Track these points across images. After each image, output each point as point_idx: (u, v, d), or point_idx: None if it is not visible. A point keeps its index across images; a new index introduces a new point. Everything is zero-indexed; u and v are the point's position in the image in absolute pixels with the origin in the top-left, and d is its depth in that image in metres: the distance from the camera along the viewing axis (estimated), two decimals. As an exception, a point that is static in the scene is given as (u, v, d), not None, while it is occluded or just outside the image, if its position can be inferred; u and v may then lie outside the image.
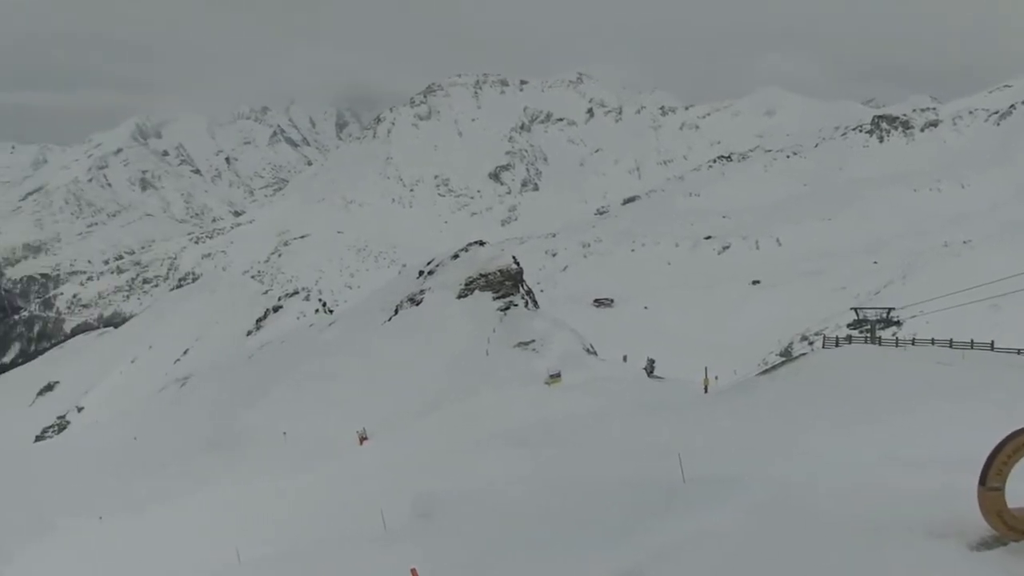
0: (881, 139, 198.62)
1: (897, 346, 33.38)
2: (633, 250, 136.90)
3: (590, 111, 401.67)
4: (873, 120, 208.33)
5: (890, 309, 46.18)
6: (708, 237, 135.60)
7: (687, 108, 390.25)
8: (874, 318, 42.63)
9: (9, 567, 27.39)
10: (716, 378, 36.27)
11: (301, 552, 19.74)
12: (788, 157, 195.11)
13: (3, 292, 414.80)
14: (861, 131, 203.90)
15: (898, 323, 62.80)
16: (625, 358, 48.85)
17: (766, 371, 33.60)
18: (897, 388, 20.62)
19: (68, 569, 25.19)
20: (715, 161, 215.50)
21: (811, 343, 73.10)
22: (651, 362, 45.29)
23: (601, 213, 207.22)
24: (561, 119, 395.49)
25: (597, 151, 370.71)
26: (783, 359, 54.30)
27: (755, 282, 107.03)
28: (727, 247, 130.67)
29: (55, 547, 30.54)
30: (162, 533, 26.85)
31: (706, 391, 32.89)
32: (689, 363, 45.60)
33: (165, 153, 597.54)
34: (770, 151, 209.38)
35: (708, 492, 12.07)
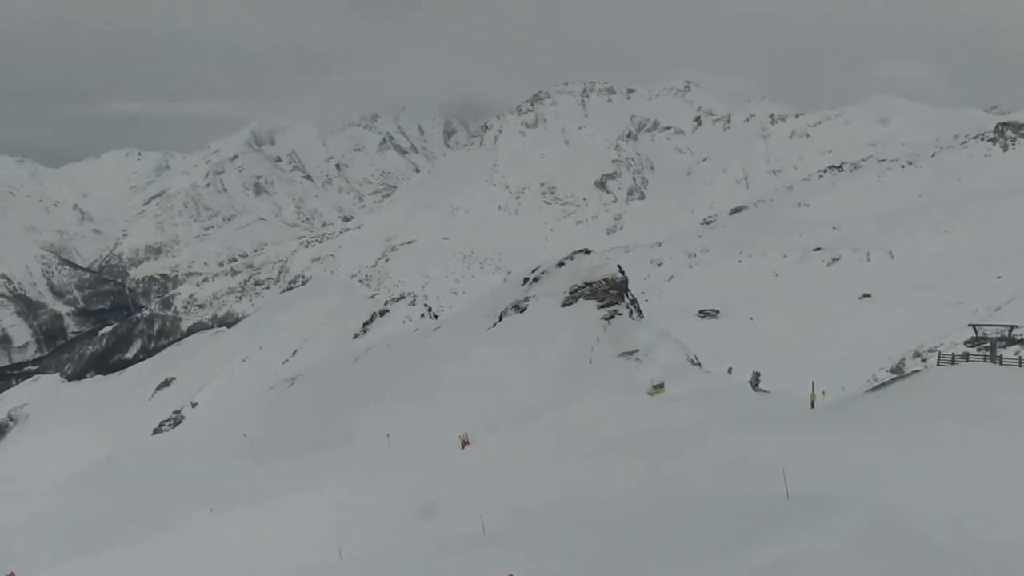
0: (1005, 147, 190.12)
1: (1021, 366, 31.92)
2: (740, 261, 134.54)
3: (698, 119, 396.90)
4: (996, 127, 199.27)
5: (1013, 327, 44.07)
6: (817, 248, 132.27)
7: (797, 116, 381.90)
8: (995, 335, 40.78)
9: (130, 552, 28.50)
10: (823, 393, 35.35)
11: (402, 552, 20.05)
12: (903, 167, 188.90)
13: (127, 291, 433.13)
14: (983, 139, 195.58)
15: (1022, 342, 60.14)
16: (730, 370, 48.08)
17: (876, 388, 32.65)
18: (1021, 411, 19.79)
19: (180, 558, 26.08)
20: (826, 171, 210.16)
21: (924, 360, 70.57)
22: (756, 375, 44.43)
23: (708, 223, 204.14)
24: (668, 127, 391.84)
25: (704, 160, 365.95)
26: (894, 376, 52.61)
27: (865, 295, 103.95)
28: (837, 259, 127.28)
29: (169, 536, 31.68)
30: (268, 528, 27.54)
31: (812, 406, 32.14)
32: (795, 377, 44.53)
33: (278, 159, 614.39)
34: (884, 160, 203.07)
35: (813, 511, 11.82)
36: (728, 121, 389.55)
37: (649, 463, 22.64)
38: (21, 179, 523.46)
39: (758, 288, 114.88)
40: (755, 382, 43.26)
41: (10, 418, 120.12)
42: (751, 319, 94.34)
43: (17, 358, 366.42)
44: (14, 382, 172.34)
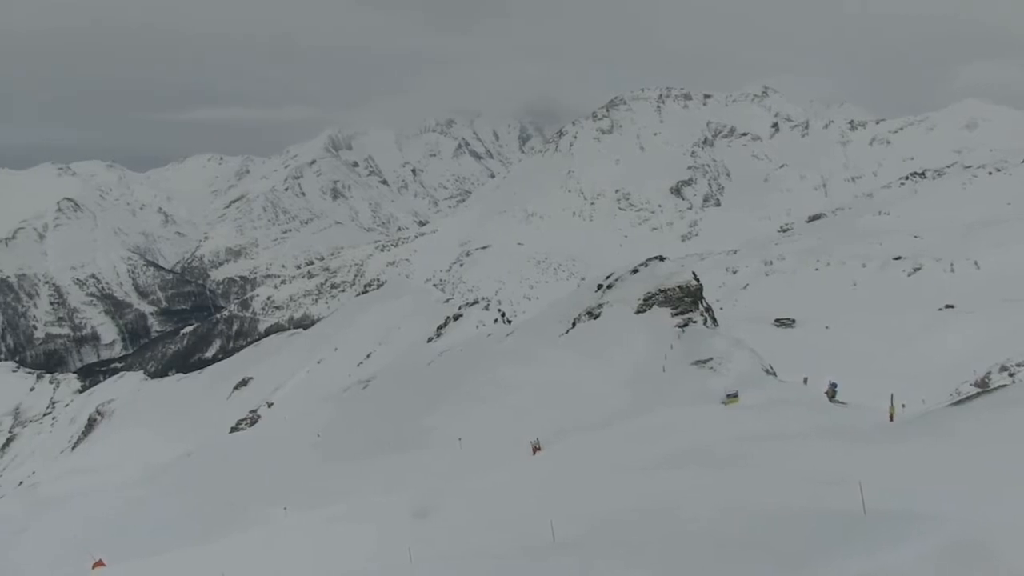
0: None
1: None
2: (817, 269, 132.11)
3: (775, 125, 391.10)
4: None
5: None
6: (898, 258, 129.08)
7: (878, 122, 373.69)
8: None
9: (207, 547, 29.15)
10: (903, 406, 34.52)
11: (471, 555, 20.15)
12: (990, 174, 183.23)
13: (208, 292, 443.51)
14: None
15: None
16: (806, 380, 47.24)
17: (960, 402, 31.77)
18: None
19: (255, 555, 26.56)
20: (907, 178, 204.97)
21: (1012, 375, 68.43)
22: (833, 386, 43.57)
23: (784, 230, 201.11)
24: (745, 134, 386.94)
25: (782, 167, 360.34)
26: (979, 390, 51.14)
27: (948, 306, 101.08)
28: (918, 268, 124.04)
29: (244, 532, 32.31)
30: (340, 527, 27.88)
31: (891, 419, 31.42)
32: (872, 389, 43.58)
33: (355, 164, 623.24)
34: (969, 167, 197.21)
35: (891, 527, 11.58)
36: (806, 127, 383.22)
37: (722, 474, 22.39)
38: (111, 183, 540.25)
39: (835, 297, 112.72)
40: (832, 393, 42.43)
41: (98, 412, 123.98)
42: (827, 328, 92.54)
43: (105, 355, 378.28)
44: (101, 378, 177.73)
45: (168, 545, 32.95)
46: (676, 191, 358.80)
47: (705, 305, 53.13)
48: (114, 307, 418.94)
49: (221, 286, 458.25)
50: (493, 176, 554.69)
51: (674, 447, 28.06)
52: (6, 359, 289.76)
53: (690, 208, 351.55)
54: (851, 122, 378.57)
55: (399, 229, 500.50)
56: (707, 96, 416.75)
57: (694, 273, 54.80)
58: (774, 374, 45.24)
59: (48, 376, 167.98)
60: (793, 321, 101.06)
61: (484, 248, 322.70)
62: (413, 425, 47.22)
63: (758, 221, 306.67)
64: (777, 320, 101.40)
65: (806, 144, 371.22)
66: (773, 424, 30.20)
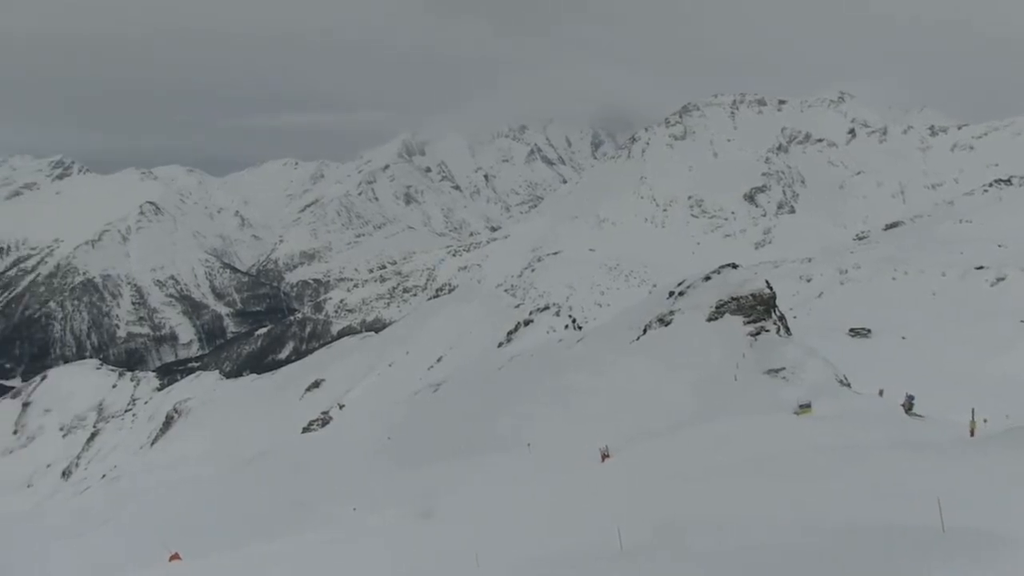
0: None
1: None
2: (894, 278, 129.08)
3: (852, 131, 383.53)
4: None
5: None
6: (980, 267, 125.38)
7: (960, 128, 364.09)
8: None
9: (276, 546, 29.63)
10: (985, 421, 33.56)
11: (536, 561, 20.14)
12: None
13: (282, 295, 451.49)
14: None
15: None
16: (881, 392, 46.18)
17: (1044, 417, 30.81)
18: None
19: (324, 554, 26.89)
20: (991, 185, 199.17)
21: (1101, 390, 66.01)
22: (910, 398, 42.52)
23: (861, 238, 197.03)
24: (820, 140, 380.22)
25: (858, 173, 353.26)
26: (1066, 405, 49.47)
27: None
28: (1002, 279, 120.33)
29: (314, 532, 32.77)
30: (407, 528, 28.11)
31: (972, 434, 30.57)
32: (952, 402, 42.44)
33: (428, 170, 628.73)
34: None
35: (972, 547, 11.26)
36: (884, 133, 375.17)
37: (794, 485, 22.04)
38: (190, 187, 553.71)
39: (913, 307, 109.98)
40: (908, 406, 41.42)
41: (175, 411, 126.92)
42: (904, 339, 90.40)
43: (182, 354, 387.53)
44: (179, 377, 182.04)
45: (240, 542, 33.59)
46: (750, 198, 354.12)
47: (778, 314, 52.34)
48: (192, 308, 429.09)
49: (295, 289, 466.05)
50: (565, 182, 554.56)
51: (744, 456, 27.71)
52: (91, 356, 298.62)
53: (764, 215, 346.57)
54: (931, 127, 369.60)
55: (471, 234, 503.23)
56: (782, 102, 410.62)
57: (767, 281, 54.06)
58: (848, 385, 44.39)
59: (129, 374, 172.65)
60: (869, 331, 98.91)
61: (555, 254, 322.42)
62: (482, 429, 47.39)
63: (833, 229, 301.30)
64: (852, 330, 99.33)
65: (884, 150, 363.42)
66: (847, 436, 29.63)
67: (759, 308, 51.11)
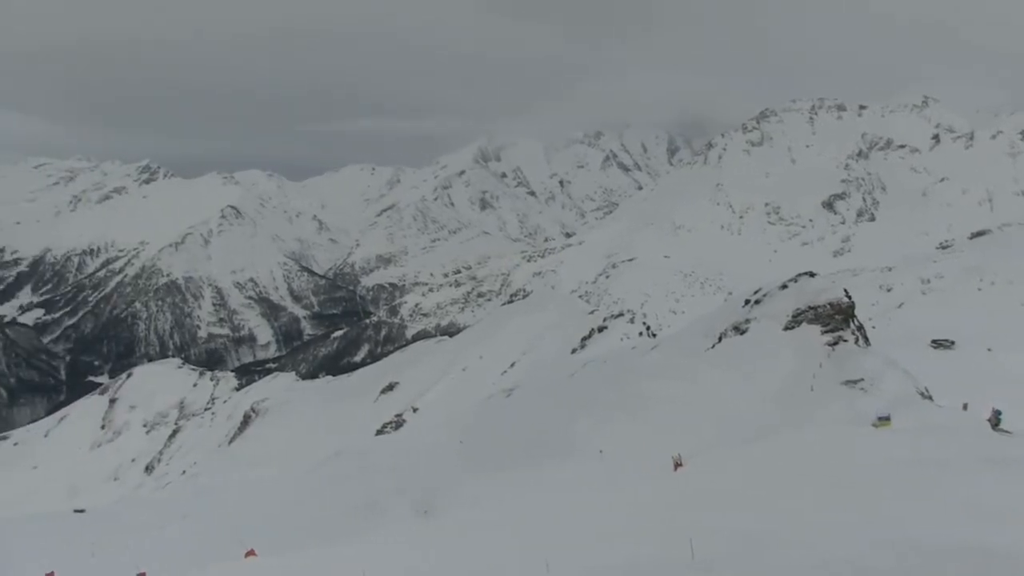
0: None
1: None
2: (979, 288, 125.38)
3: (936, 137, 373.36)
4: None
5: None
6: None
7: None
8: None
9: (348, 547, 30.03)
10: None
11: (607, 568, 20.08)
12: None
13: (358, 298, 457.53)
14: None
15: None
16: (965, 406, 44.92)
17: None
18: None
19: (394, 556, 27.15)
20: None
21: None
22: (997, 413, 41.23)
23: (944, 247, 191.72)
24: (903, 146, 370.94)
25: (942, 180, 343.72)
26: None
27: None
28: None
29: (382, 532, 33.13)
30: (479, 533, 28.22)
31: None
32: (1042, 418, 41.07)
33: (503, 175, 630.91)
34: None
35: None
36: (971, 138, 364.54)
37: (872, 500, 21.62)
38: (270, 192, 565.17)
39: (1000, 318, 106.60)
40: (995, 421, 40.20)
41: (253, 410, 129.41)
42: (990, 351, 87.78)
43: (260, 355, 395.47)
44: (256, 377, 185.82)
45: (314, 540, 34.17)
46: (828, 205, 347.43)
47: (857, 323, 51.28)
48: (270, 310, 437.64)
49: (371, 292, 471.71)
50: (640, 188, 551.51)
51: (820, 469, 27.26)
52: (173, 356, 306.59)
53: (843, 223, 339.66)
54: (1022, 132, 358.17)
55: (546, 240, 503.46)
56: (862, 107, 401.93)
57: (846, 290, 52.96)
58: (930, 398, 43.29)
59: (209, 373, 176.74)
60: (952, 343, 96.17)
61: (630, 260, 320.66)
62: (554, 435, 47.38)
63: (915, 237, 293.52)
64: (934, 341, 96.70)
65: (970, 156, 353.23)
66: (929, 450, 28.92)
67: (837, 317, 50.14)
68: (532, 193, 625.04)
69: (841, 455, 29.20)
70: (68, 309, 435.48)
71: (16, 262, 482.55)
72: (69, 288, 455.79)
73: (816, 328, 49.84)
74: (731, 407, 43.49)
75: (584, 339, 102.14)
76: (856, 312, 52.07)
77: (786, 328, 51.02)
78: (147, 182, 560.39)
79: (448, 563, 24.75)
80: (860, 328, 51.40)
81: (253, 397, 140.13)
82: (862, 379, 43.65)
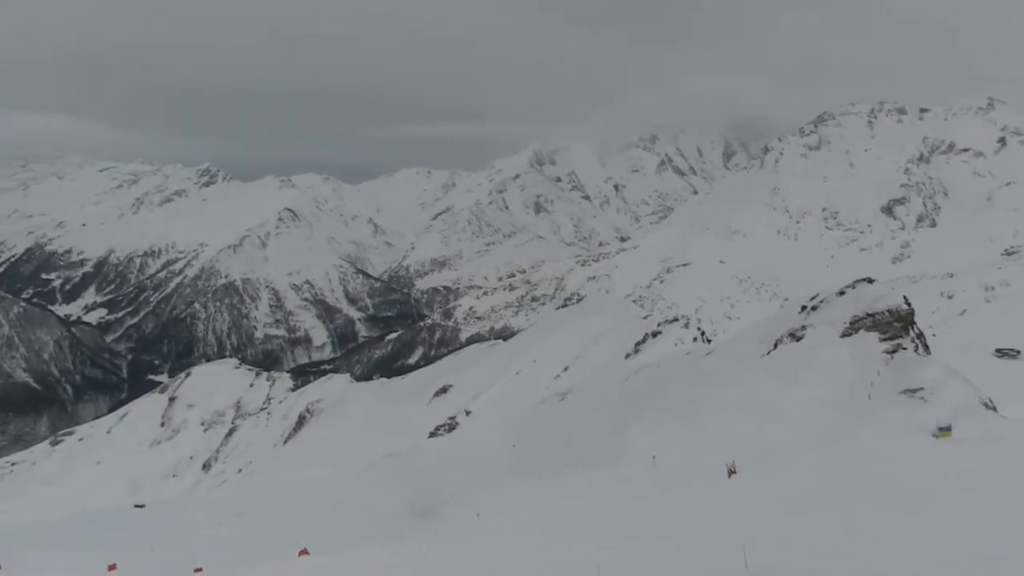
0: None
1: None
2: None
3: (1002, 140, 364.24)
4: None
5: None
6: None
7: None
8: None
9: (401, 547, 30.24)
10: None
11: (662, 574, 19.98)
12: None
13: (412, 301, 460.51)
14: None
15: None
16: (1031, 417, 43.90)
17: None
18: None
19: (445, 556, 27.27)
20: None
21: None
22: (1063, 425, 40.27)
23: (1010, 253, 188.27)
24: (966, 149, 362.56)
25: (1008, 184, 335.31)
26: None
27: None
28: None
29: (434, 533, 33.31)
30: (530, 536, 28.25)
31: None
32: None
33: (558, 179, 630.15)
34: None
35: None
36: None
37: (933, 512, 21.22)
38: (326, 195, 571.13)
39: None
40: (1060, 432, 39.23)
41: (308, 411, 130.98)
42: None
43: (315, 357, 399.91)
44: (311, 378, 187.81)
45: (366, 540, 34.44)
46: (887, 210, 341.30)
47: (917, 331, 50.33)
48: (325, 312, 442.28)
49: (425, 295, 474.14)
50: (696, 193, 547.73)
51: (878, 479, 26.83)
52: (230, 356, 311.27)
53: (902, 228, 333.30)
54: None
55: (600, 244, 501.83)
56: (923, 110, 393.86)
57: (905, 297, 51.99)
58: (994, 408, 42.36)
59: (265, 374, 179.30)
60: (1018, 352, 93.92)
61: (685, 265, 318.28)
62: (607, 440, 47.25)
63: (979, 243, 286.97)
64: (998, 350, 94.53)
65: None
66: (992, 463, 28.31)
67: (896, 325, 49.26)
68: (587, 197, 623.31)
69: (900, 465, 28.73)
70: (130, 309, 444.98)
71: (81, 263, 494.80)
72: (131, 288, 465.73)
73: (874, 335, 49.03)
74: (786, 414, 42.98)
75: (638, 344, 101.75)
76: (916, 319, 51.12)
77: (843, 335, 50.27)
78: (207, 185, 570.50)
79: (500, 565, 24.81)
80: (920, 336, 50.46)
81: (308, 398, 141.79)
82: (922, 388, 42.85)
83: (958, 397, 41.71)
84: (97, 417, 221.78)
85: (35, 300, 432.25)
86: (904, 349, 47.84)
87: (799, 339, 52.46)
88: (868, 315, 50.41)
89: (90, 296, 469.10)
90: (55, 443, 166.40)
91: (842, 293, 54.83)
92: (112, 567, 38.90)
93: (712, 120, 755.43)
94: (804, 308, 56.35)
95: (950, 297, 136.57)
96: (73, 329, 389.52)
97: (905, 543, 18.07)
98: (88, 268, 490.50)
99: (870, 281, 56.50)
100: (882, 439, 34.82)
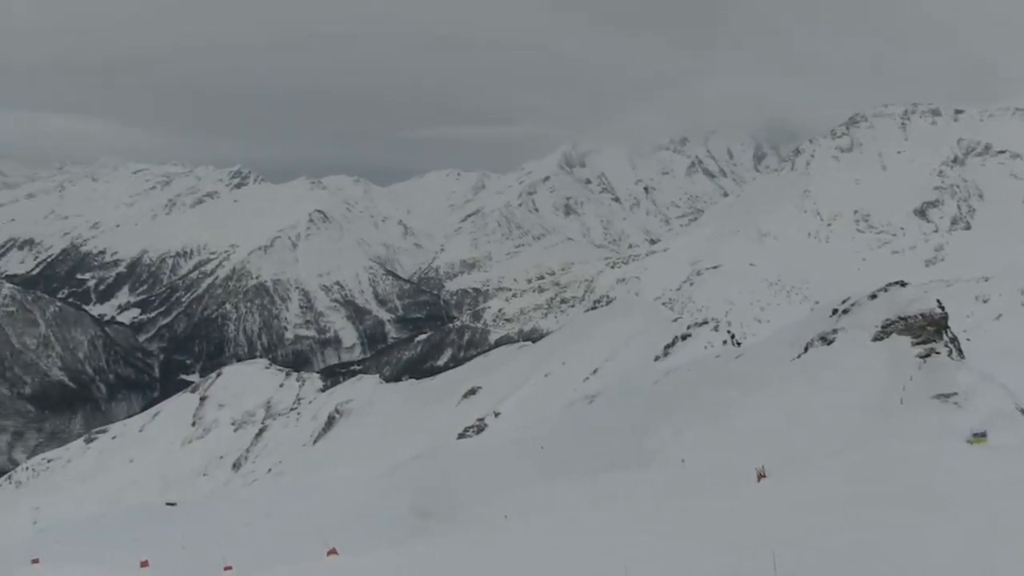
0: None
1: None
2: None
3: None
4: None
5: None
6: None
7: None
8: None
9: (424, 546, 30.32)
10: None
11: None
12: None
13: (442, 302, 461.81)
14: None
15: None
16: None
17: None
18: None
19: (472, 556, 27.30)
20: None
21: None
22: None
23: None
24: (1002, 151, 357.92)
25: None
26: None
27: None
28: None
29: (462, 534, 33.34)
30: (556, 537, 28.21)
31: None
32: None
33: (588, 181, 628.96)
34: None
35: None
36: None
37: (967, 520, 20.95)
38: (356, 197, 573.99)
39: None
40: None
41: (337, 411, 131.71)
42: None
43: (344, 358, 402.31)
44: (341, 379, 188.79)
45: (394, 540, 34.58)
46: (920, 213, 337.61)
47: (950, 335, 49.78)
48: (355, 313, 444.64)
49: (454, 297, 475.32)
50: (726, 195, 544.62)
51: (910, 486, 26.54)
52: (260, 356, 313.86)
53: (936, 231, 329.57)
54: None
55: (630, 246, 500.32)
56: (958, 111, 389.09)
57: (938, 300, 51.44)
58: (1030, 414, 41.84)
59: (295, 374, 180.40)
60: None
61: (715, 268, 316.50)
62: (635, 443, 47.11)
63: (1015, 246, 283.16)
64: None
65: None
66: (1026, 468, 27.92)
67: (929, 329, 48.75)
68: (616, 199, 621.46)
69: (933, 470, 28.41)
70: (162, 309, 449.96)
71: (115, 263, 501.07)
72: (164, 289, 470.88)
73: (906, 339, 48.55)
74: (816, 418, 42.65)
75: (667, 347, 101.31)
76: (950, 323, 50.60)
77: (875, 339, 49.81)
78: (238, 187, 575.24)
79: (527, 565, 24.81)
80: (954, 340, 49.92)
81: (338, 398, 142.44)
82: (955, 393, 42.40)
83: (993, 403, 41.24)
84: (130, 416, 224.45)
85: (70, 300, 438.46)
86: (937, 353, 47.31)
87: (830, 342, 52.05)
88: (900, 319, 49.91)
89: (123, 296, 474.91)
90: (89, 441, 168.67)
91: (874, 296, 54.32)
92: (144, 563, 39.38)
93: (743, 122, 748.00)
94: (835, 311, 55.89)
95: (985, 301, 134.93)
96: (107, 329, 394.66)
97: (938, 549, 17.87)
98: (122, 268, 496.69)
99: (903, 284, 55.92)
100: (914, 444, 34.44)
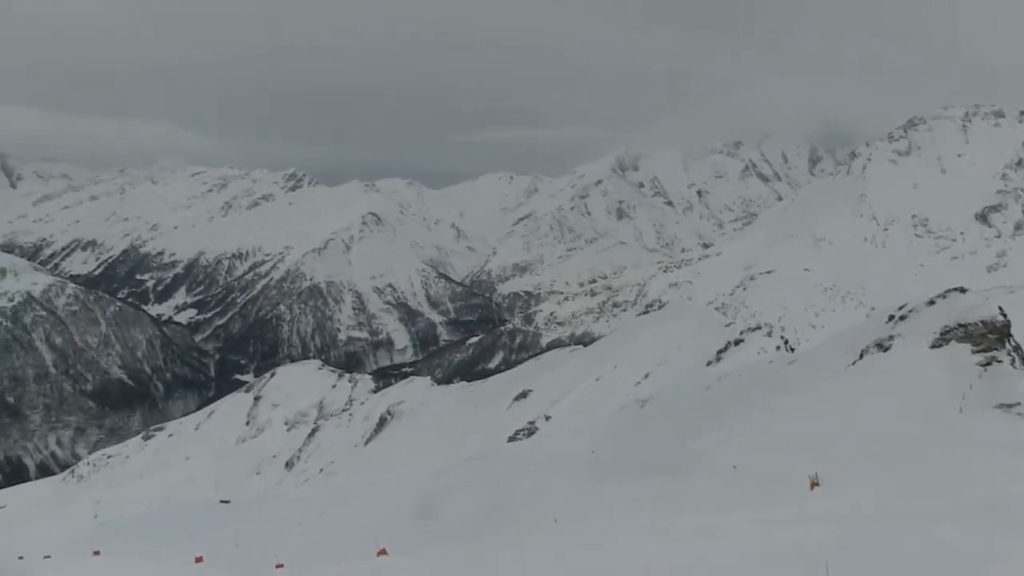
0: None
1: None
2: None
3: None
4: None
5: None
6: None
7: None
8: None
9: (473, 547, 30.35)
10: None
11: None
12: None
13: (494, 305, 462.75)
14: None
15: None
16: None
17: None
18: None
19: (521, 558, 27.26)
20: None
21: None
22: None
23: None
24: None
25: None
26: None
27: None
28: None
29: (512, 537, 33.31)
30: (606, 542, 28.06)
31: None
32: None
33: (640, 185, 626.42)
34: None
35: None
36: None
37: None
38: (409, 199, 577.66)
39: None
40: None
41: (389, 413, 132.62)
42: None
43: (397, 359, 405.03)
44: (393, 381, 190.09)
45: (444, 541, 34.69)
46: (982, 217, 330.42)
47: (1013, 343, 48.56)
48: (407, 315, 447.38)
49: (506, 300, 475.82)
50: (780, 199, 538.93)
51: (970, 498, 25.94)
52: (314, 357, 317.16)
53: (998, 236, 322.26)
54: None
55: (682, 251, 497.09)
56: (1023, 113, 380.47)
57: (1000, 307, 50.23)
58: (1096, 425, 40.67)
59: (347, 376, 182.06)
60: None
61: (768, 273, 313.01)
62: (685, 449, 46.65)
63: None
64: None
65: None
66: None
67: (990, 336, 47.61)
68: (669, 203, 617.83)
69: (993, 481, 27.76)
70: (218, 310, 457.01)
71: (173, 264, 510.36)
72: (219, 290, 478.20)
73: (966, 347, 47.48)
74: (872, 426, 41.89)
75: (720, 352, 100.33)
76: (1012, 331, 49.39)
77: (933, 346, 48.79)
78: (292, 189, 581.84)
79: (575, 568, 24.72)
80: (1017, 348, 48.71)
81: (389, 400, 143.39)
82: (1018, 403, 41.35)
83: (1057, 412, 40.16)
84: (186, 414, 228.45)
85: (130, 300, 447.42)
86: (999, 362, 46.19)
87: (886, 349, 51.09)
88: (960, 326, 48.82)
89: (180, 297, 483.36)
90: (147, 438, 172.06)
91: (932, 303, 53.19)
92: (199, 559, 40.02)
93: (797, 125, 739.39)
94: (891, 317, 54.86)
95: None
96: (164, 328, 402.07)
97: (998, 564, 17.44)
98: (179, 269, 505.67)
99: (962, 290, 54.70)
100: (974, 454, 33.69)
